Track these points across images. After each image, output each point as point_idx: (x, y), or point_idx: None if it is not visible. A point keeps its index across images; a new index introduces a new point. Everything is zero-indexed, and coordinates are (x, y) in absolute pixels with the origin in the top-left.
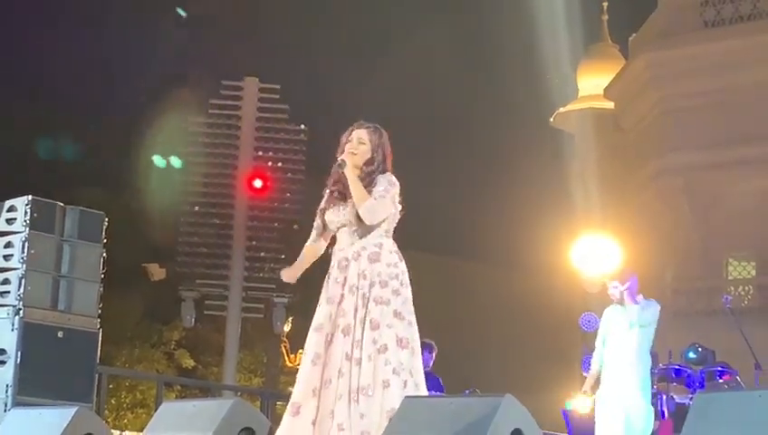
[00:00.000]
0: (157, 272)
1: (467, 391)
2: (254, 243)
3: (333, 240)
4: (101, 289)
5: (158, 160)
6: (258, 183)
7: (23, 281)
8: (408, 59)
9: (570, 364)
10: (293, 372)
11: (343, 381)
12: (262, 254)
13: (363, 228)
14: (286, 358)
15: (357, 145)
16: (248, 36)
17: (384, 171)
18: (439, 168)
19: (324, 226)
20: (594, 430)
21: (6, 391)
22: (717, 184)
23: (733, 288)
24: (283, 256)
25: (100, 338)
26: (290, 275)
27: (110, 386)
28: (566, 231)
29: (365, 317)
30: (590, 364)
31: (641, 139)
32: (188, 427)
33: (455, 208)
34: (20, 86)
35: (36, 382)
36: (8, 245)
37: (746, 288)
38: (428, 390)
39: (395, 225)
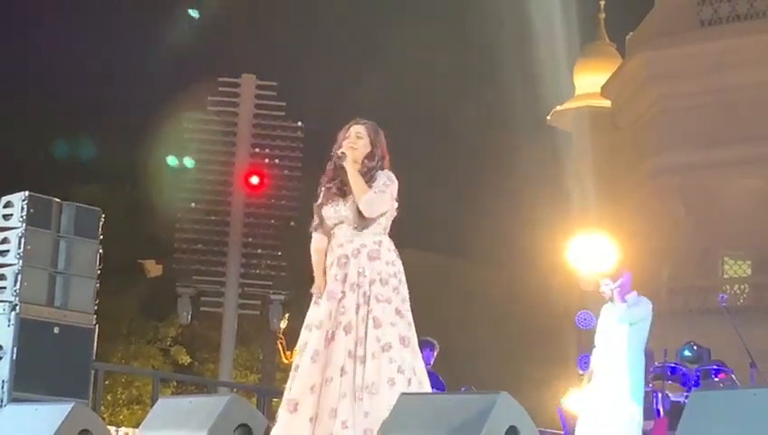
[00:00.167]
0: (153, 268)
1: (464, 389)
2: (250, 240)
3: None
4: (98, 285)
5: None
6: (255, 180)
7: (19, 277)
8: (405, 57)
9: (566, 362)
10: (290, 369)
11: (347, 379)
12: (258, 250)
13: (362, 225)
14: (282, 355)
15: (355, 139)
16: (246, 34)
17: (383, 168)
18: (435, 166)
19: (322, 221)
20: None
21: (2, 387)
22: (714, 183)
23: (729, 287)
24: (279, 253)
25: (96, 334)
26: (319, 286)
27: (107, 382)
28: (562, 229)
29: (367, 315)
30: (587, 362)
31: (638, 137)
32: (185, 423)
33: (451, 207)
34: (20, 86)
35: (32, 378)
36: (4, 241)
37: (742, 287)
38: (430, 388)
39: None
